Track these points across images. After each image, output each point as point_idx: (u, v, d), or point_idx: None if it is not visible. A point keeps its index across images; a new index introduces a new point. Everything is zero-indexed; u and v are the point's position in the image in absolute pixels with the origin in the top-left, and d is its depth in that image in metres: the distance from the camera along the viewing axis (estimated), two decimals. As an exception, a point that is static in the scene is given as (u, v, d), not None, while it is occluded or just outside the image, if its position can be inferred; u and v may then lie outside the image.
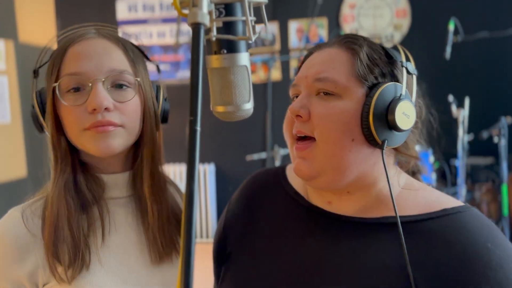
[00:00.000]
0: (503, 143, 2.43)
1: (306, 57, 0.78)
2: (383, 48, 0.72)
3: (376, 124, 0.66)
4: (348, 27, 4.06)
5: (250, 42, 0.58)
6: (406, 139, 0.72)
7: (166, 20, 4.24)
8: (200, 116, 0.45)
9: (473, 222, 0.65)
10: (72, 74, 0.73)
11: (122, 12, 4.23)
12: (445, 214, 0.67)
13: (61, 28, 4.20)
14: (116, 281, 0.76)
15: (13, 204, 2.44)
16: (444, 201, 0.69)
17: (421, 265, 0.63)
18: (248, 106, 0.60)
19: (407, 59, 0.73)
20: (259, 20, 0.60)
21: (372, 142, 0.67)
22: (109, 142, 0.73)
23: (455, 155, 2.75)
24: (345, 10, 4.07)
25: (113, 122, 0.73)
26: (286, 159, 2.89)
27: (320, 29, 4.06)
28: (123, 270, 0.77)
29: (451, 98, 2.67)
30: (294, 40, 4.07)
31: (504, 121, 2.43)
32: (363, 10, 4.06)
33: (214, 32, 0.54)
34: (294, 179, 0.84)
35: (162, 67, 4.28)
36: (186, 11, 0.50)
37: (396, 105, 0.66)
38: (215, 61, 0.59)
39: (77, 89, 0.74)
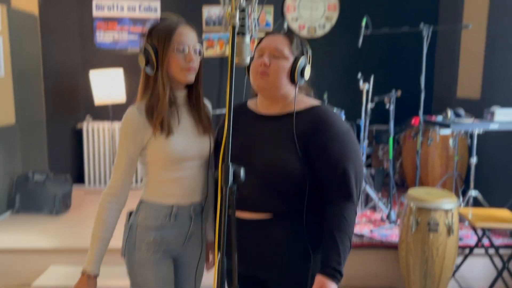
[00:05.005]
0: (391, 107, 3.47)
1: (265, 36, 1.57)
2: (302, 41, 1.55)
3: (297, 74, 1.43)
4: (290, 16, 4.92)
5: (252, 34, 1.43)
6: (305, 82, 1.56)
7: (136, -3, 4.81)
8: (234, 66, 1.31)
9: (324, 108, 1.50)
10: (182, 43, 1.49)
11: (97, -14, 4.76)
12: (314, 107, 1.45)
13: (42, -4, 4.68)
14: (184, 141, 1.53)
15: (3, 146, 3.92)
16: (315, 103, 1.53)
17: (303, 128, 1.40)
18: (248, 60, 1.46)
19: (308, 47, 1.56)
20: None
21: (293, 80, 1.44)
22: (192, 76, 1.53)
23: (360, 117, 3.76)
24: (288, 1, 4.93)
25: (195, 67, 1.53)
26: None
27: (267, 15, 4.91)
28: (186, 137, 1.55)
29: (359, 75, 3.62)
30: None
31: (394, 92, 3.45)
32: (303, 2, 4.93)
33: (237, 28, 1.40)
34: (250, 104, 1.56)
35: (131, 37, 4.91)
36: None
37: (305, 67, 1.45)
38: (237, 38, 1.44)
39: (179, 51, 1.49)
